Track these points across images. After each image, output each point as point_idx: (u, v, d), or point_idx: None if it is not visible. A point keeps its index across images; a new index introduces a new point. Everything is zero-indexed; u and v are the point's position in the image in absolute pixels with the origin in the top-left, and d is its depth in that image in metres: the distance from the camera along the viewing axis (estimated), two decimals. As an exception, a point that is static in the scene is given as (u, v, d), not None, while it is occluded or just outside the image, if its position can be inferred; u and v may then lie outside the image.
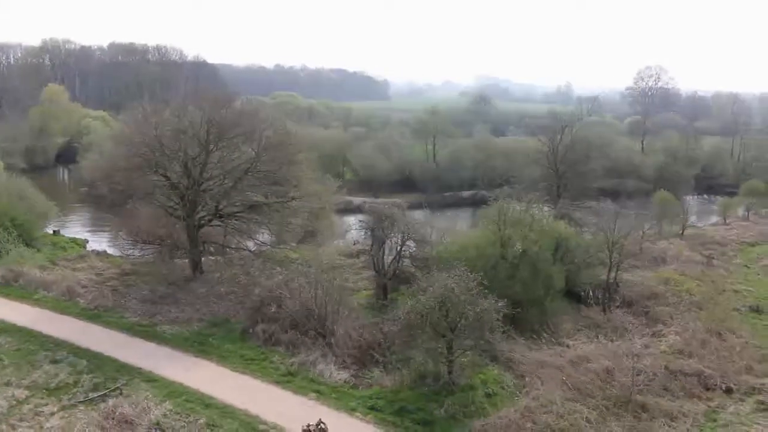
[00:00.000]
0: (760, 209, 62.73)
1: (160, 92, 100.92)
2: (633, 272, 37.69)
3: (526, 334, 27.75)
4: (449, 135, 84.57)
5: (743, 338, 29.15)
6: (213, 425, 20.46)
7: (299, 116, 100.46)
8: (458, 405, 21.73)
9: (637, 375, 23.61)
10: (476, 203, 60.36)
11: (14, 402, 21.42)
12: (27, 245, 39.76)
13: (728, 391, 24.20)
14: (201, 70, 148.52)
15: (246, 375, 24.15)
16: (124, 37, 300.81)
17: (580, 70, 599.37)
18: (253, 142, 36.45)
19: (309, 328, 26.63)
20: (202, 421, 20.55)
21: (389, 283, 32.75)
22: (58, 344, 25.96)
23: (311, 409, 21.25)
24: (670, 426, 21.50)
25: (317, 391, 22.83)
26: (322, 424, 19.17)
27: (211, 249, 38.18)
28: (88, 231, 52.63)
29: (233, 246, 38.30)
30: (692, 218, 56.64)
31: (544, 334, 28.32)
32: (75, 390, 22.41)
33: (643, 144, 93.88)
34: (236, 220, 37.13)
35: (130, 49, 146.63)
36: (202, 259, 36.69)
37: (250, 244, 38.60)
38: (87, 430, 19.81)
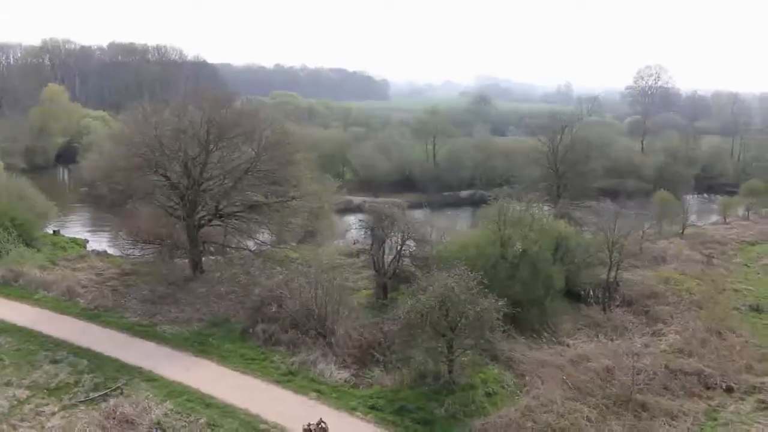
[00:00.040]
0: (760, 209, 62.76)
1: (159, 92, 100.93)
2: (633, 271, 37.71)
3: (527, 334, 27.76)
4: (449, 135, 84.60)
5: (743, 337, 29.16)
6: (214, 425, 20.46)
7: (299, 116, 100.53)
8: (458, 404, 21.74)
9: (638, 374, 23.62)
10: (476, 203, 60.43)
11: (15, 402, 21.42)
12: (27, 245, 39.75)
13: (728, 390, 24.21)
14: (201, 70, 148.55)
15: (246, 374, 24.15)
16: (124, 37, 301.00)
17: (580, 70, 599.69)
18: (252, 142, 36.47)
19: (309, 328, 26.64)
20: (202, 420, 20.56)
21: (389, 282, 32.76)
22: (59, 344, 25.96)
23: (311, 409, 21.26)
24: (670, 425, 21.50)
25: (317, 391, 22.84)
26: (322, 424, 19.20)
27: (211, 249, 38.19)
28: (88, 231, 52.63)
29: (233, 246, 38.31)
30: (692, 217, 56.71)
31: (545, 334, 28.33)
32: (76, 390, 22.41)
33: (643, 144, 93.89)
34: (236, 219, 37.14)
35: (130, 49, 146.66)
36: (202, 258, 36.70)
37: (250, 244, 38.61)
38: (88, 429, 19.80)
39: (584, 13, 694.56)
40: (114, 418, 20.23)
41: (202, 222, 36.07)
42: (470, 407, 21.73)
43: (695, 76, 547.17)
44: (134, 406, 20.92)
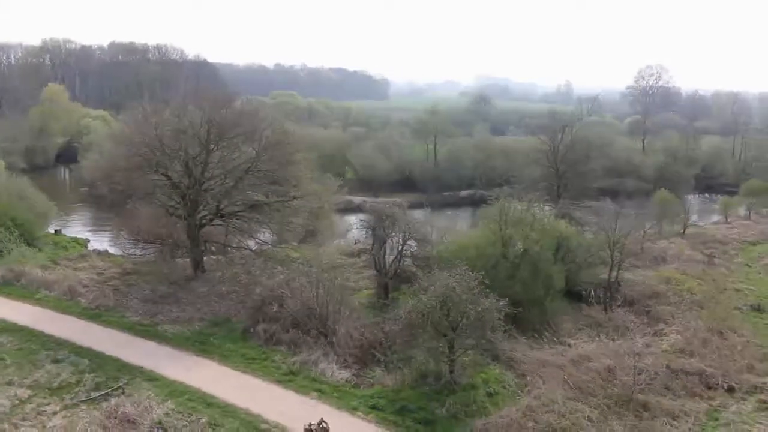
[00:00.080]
0: (761, 208, 62.74)
1: (160, 92, 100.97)
2: (634, 271, 37.72)
3: (528, 334, 27.76)
4: (449, 135, 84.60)
5: (745, 337, 29.16)
6: (215, 424, 20.47)
7: (299, 116, 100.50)
8: (460, 404, 21.74)
9: (639, 374, 23.61)
10: (476, 203, 60.40)
11: (17, 401, 21.43)
12: (28, 245, 39.81)
13: (730, 390, 24.21)
14: (201, 69, 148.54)
15: (247, 374, 24.16)
16: (124, 37, 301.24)
17: (580, 70, 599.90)
18: (253, 142, 36.48)
19: (310, 328, 26.64)
20: (204, 420, 20.56)
21: (390, 282, 32.75)
22: (60, 344, 25.98)
23: (312, 409, 21.26)
24: (671, 425, 21.51)
25: (319, 391, 22.84)
26: (324, 424, 19.19)
27: (213, 248, 38.19)
28: (90, 230, 52.65)
29: (234, 245, 38.32)
30: (693, 217, 56.71)
31: (546, 334, 28.34)
32: (77, 389, 22.43)
33: (644, 143, 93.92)
34: (237, 219, 37.16)
35: (130, 49, 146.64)
36: (204, 258, 36.70)
37: (252, 244, 38.62)
38: (89, 429, 19.81)
39: (584, 13, 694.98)
40: (115, 418, 20.25)
41: (204, 221, 36.08)
42: (471, 407, 21.72)
43: (695, 75, 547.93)
44: (135, 405, 20.93)
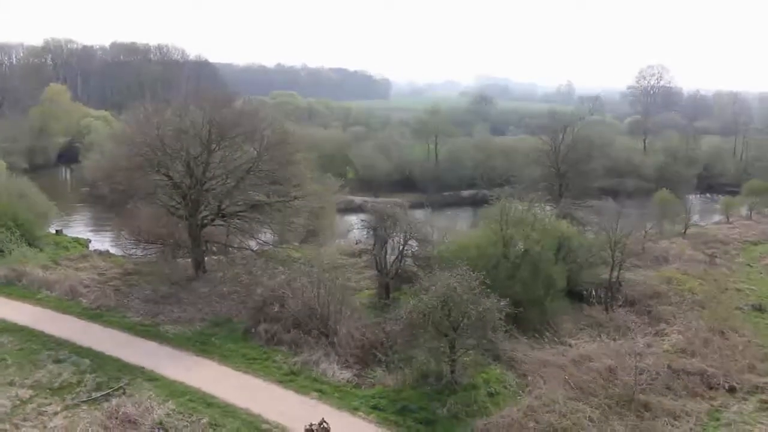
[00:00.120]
0: (763, 208, 62.68)
1: (161, 92, 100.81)
2: (635, 271, 37.69)
3: (529, 334, 27.76)
4: (449, 135, 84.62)
5: (746, 337, 29.13)
6: (216, 425, 20.46)
7: (299, 116, 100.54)
8: (461, 404, 21.72)
9: (640, 374, 23.60)
10: (477, 203, 60.40)
11: (18, 402, 21.43)
12: (30, 245, 39.84)
13: (731, 390, 24.18)
14: (202, 69, 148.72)
15: (248, 374, 24.16)
16: (126, 37, 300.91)
17: (581, 70, 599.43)
18: (254, 142, 36.48)
19: (311, 328, 26.64)
20: (204, 420, 20.56)
21: (391, 282, 32.74)
22: (61, 344, 25.98)
23: (313, 409, 21.25)
24: (672, 425, 21.48)
25: (320, 391, 22.83)
26: (324, 424, 19.18)
27: (214, 248, 38.19)
28: (91, 231, 52.69)
29: (236, 245, 38.33)
30: (695, 217, 56.62)
31: (547, 334, 28.33)
32: (78, 389, 22.43)
33: (645, 143, 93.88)
34: (239, 219, 37.17)
35: (132, 49, 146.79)
36: (205, 258, 36.71)
37: (253, 244, 38.64)
38: (90, 429, 19.81)
39: (585, 13, 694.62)
40: (116, 418, 20.25)
41: (205, 222, 36.09)
42: (472, 407, 21.70)
43: (697, 75, 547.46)
44: (137, 405, 20.93)
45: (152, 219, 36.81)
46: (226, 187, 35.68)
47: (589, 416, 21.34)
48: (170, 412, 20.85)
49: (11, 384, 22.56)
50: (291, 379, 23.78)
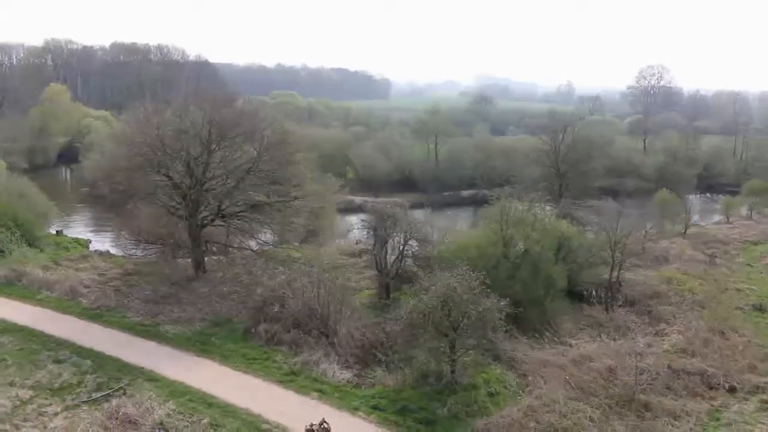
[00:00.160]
0: (763, 208, 62.67)
1: (161, 92, 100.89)
2: (635, 271, 37.68)
3: (529, 334, 27.75)
4: (449, 135, 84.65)
5: (746, 337, 29.11)
6: (216, 425, 20.47)
7: (299, 116, 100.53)
8: (461, 404, 21.73)
9: (640, 374, 23.60)
10: (477, 203, 60.38)
11: (18, 402, 21.43)
12: (30, 245, 39.83)
13: (731, 390, 24.17)
14: (202, 69, 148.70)
15: (248, 374, 24.16)
16: (126, 37, 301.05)
17: (581, 70, 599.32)
18: (254, 142, 36.48)
19: (311, 328, 26.64)
20: (205, 421, 20.56)
21: (392, 282, 32.74)
22: (61, 344, 25.99)
23: (313, 409, 21.26)
24: (673, 425, 21.48)
25: (320, 391, 22.84)
26: (325, 424, 19.18)
27: (214, 249, 38.20)
28: (91, 231, 52.70)
29: (236, 246, 38.34)
30: (695, 217, 56.63)
31: (547, 334, 28.32)
32: (78, 390, 22.44)
33: (645, 143, 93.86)
34: (239, 219, 37.17)
35: (132, 49, 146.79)
36: (205, 258, 36.71)
37: (253, 244, 38.65)
38: (91, 430, 19.81)
39: (584, 13, 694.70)
40: (117, 419, 20.25)
41: (205, 222, 36.09)
42: (472, 407, 21.70)
43: (696, 75, 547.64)
44: (137, 406, 20.93)
45: (152, 219, 36.84)
46: (226, 187, 35.68)
47: (590, 416, 21.34)
48: (171, 413, 20.85)
49: (11, 384, 22.57)
50: (291, 379, 23.79)
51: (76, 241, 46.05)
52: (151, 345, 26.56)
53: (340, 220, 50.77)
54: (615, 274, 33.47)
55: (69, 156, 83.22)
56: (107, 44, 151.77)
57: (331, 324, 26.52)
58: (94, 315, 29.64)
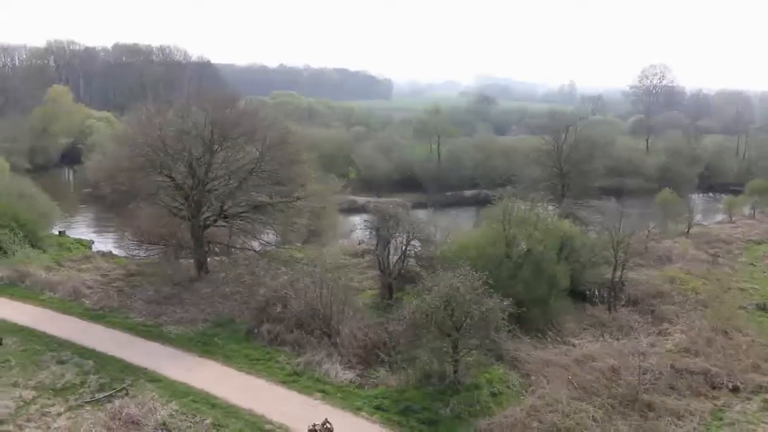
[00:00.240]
0: (766, 207, 62.52)
1: (163, 93, 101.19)
2: (638, 271, 37.62)
3: (532, 334, 27.74)
4: (450, 135, 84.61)
5: (749, 336, 29.08)
6: (219, 425, 20.48)
7: (299, 116, 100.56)
8: (463, 404, 21.73)
9: (643, 374, 23.57)
10: (479, 202, 60.38)
11: (21, 403, 21.47)
12: (33, 246, 39.87)
13: (735, 389, 24.15)
14: (204, 70, 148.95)
15: (251, 375, 24.18)
16: (128, 38, 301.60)
17: (582, 70, 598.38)
18: (256, 142, 36.50)
19: (314, 328, 26.64)
20: (208, 421, 20.57)
21: (394, 282, 32.72)
22: (64, 345, 26.03)
23: (316, 409, 21.26)
24: (676, 425, 21.46)
25: (322, 391, 22.84)
26: (327, 424, 19.19)
27: (216, 249, 38.25)
28: (94, 232, 52.81)
29: (238, 246, 38.38)
30: (697, 217, 56.54)
31: (550, 333, 28.31)
32: (81, 390, 22.46)
33: (647, 143, 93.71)
34: (241, 220, 37.16)
35: (134, 50, 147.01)
36: (207, 259, 36.73)
37: (255, 244, 38.66)
38: (93, 430, 19.84)
39: (586, 13, 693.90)
40: (120, 419, 20.28)
41: (207, 222, 36.10)
42: (475, 407, 21.70)
43: (698, 74, 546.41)
44: (140, 406, 20.95)
45: (155, 220, 36.85)
46: (229, 187, 35.69)
47: (593, 416, 21.32)
48: (173, 413, 20.88)
49: (15, 385, 22.60)
50: (294, 379, 23.80)
51: (79, 241, 46.15)
52: (153, 345, 26.59)
53: (343, 221, 50.78)
54: (618, 273, 33.43)
55: (72, 157, 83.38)
56: (109, 45, 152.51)
57: (334, 324, 26.52)
58: (97, 316, 29.68)
